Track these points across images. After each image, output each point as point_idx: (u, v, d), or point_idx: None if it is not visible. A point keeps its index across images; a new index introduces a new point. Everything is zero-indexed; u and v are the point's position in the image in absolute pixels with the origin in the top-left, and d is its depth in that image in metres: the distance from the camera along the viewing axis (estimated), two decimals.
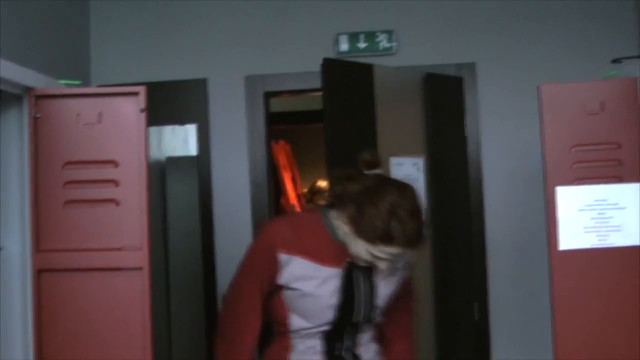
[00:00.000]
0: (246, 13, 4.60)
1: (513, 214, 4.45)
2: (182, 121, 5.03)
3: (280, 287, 2.75)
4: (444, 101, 4.34)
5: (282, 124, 6.69)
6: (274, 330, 2.86)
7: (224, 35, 4.62)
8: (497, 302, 4.45)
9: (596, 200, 3.02)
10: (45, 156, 3.15)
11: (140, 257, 3.10)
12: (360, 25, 4.53)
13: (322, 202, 6.97)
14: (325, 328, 2.76)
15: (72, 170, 3.14)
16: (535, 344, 4.37)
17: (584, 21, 4.44)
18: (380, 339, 2.98)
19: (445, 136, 4.30)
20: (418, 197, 2.63)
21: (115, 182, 3.13)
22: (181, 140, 5.51)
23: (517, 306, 4.45)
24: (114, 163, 3.13)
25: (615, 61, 3.30)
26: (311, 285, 2.69)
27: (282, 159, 6.87)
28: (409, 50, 4.51)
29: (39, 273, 3.14)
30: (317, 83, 3.87)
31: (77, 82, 3.41)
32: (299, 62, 4.51)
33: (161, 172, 5.36)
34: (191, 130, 4.91)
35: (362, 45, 4.50)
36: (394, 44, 4.49)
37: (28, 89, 3.19)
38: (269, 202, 4.64)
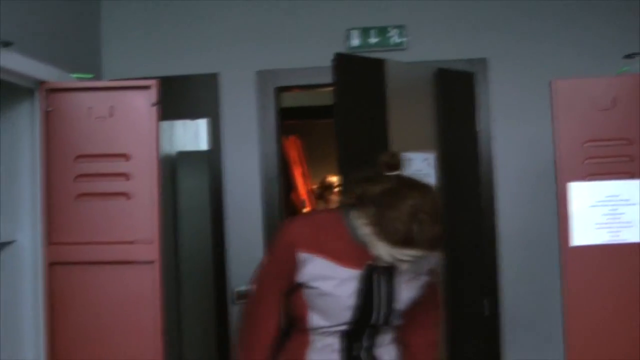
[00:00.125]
0: (257, 8, 4.60)
1: (524, 210, 4.44)
2: (193, 116, 5.04)
3: (300, 285, 2.74)
4: (455, 96, 4.33)
5: (293, 119, 6.69)
6: (293, 326, 2.86)
7: (235, 30, 4.61)
8: (508, 298, 4.44)
9: (608, 196, 3.01)
10: (57, 149, 3.17)
11: (151, 250, 3.11)
12: (372, 20, 4.52)
13: (333, 197, 7.01)
14: (344, 328, 2.76)
15: (84, 164, 3.15)
16: (546, 340, 4.36)
17: (595, 17, 4.42)
18: (405, 351, 2.96)
19: (457, 132, 4.29)
20: (439, 199, 2.58)
21: (126, 176, 3.14)
22: (192, 135, 5.52)
23: (527, 302, 4.43)
24: (125, 157, 3.14)
25: (627, 57, 3.29)
26: (330, 285, 2.68)
27: (293, 154, 6.87)
28: (421, 45, 4.49)
29: (51, 266, 3.16)
30: (328, 78, 3.86)
31: (89, 76, 3.42)
32: (310, 57, 4.51)
33: (172, 167, 5.37)
34: (202, 125, 4.92)
35: (373, 40, 4.49)
36: (406, 39, 4.48)
37: (40, 83, 3.20)
38: (280, 197, 4.64)
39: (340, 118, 3.77)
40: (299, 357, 2.80)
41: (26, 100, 3.26)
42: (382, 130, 3.93)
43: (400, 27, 4.48)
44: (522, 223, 4.44)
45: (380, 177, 2.62)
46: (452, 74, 4.31)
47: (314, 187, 7.46)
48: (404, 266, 2.62)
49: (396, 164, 2.66)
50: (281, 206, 4.66)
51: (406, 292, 2.77)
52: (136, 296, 3.11)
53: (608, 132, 3.03)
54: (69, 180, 3.15)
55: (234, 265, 4.57)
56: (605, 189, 3.01)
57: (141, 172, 3.13)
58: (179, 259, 5.24)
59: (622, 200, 3.00)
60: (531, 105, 4.37)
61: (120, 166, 3.14)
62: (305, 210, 6.85)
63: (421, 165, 4.03)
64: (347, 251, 2.67)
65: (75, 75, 3.42)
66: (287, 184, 6.30)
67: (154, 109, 3.14)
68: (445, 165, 4.16)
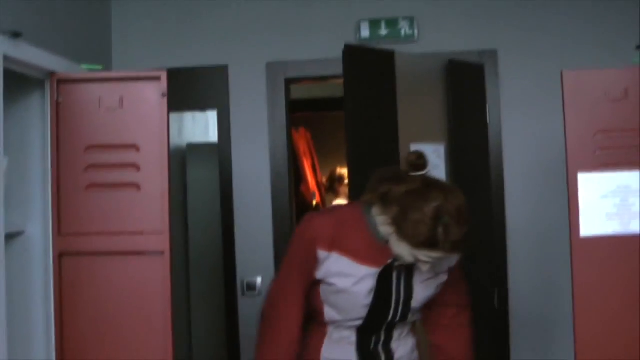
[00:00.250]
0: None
1: (534, 201, 4.43)
2: (202, 108, 5.04)
3: (319, 281, 2.74)
4: (465, 88, 4.31)
5: (302, 111, 6.69)
6: (311, 318, 2.85)
7: (245, 21, 4.61)
8: (517, 289, 4.44)
9: (618, 187, 3.00)
10: (67, 140, 3.18)
11: (161, 241, 3.12)
12: (382, 12, 4.51)
13: (343, 189, 7.01)
14: (359, 323, 2.76)
15: (94, 155, 3.16)
16: (555, 331, 4.36)
17: (606, 8, 4.39)
18: (438, 353, 2.96)
19: (467, 123, 4.27)
20: (464, 201, 2.55)
21: (136, 167, 3.14)
22: (202, 127, 5.52)
23: (537, 294, 4.43)
24: (135, 147, 3.14)
25: (639, 47, 3.28)
26: (347, 283, 2.67)
27: (303, 146, 6.86)
28: (431, 37, 4.48)
29: (60, 256, 3.16)
30: (338, 70, 3.85)
31: (99, 67, 3.42)
32: (320, 49, 4.50)
33: (182, 159, 5.37)
34: (212, 117, 4.92)
35: (383, 32, 4.48)
36: (416, 30, 4.47)
37: (50, 74, 3.21)
38: (289, 189, 4.64)
39: (350, 110, 3.76)
40: (316, 348, 2.82)
41: (36, 91, 3.27)
42: (392, 121, 3.92)
43: (410, 18, 4.47)
44: (532, 214, 4.43)
45: (406, 177, 2.60)
46: (463, 65, 4.30)
47: (324, 179, 7.45)
48: (424, 267, 2.62)
49: (422, 165, 2.62)
50: (290, 198, 4.66)
51: (424, 291, 2.76)
52: (146, 287, 3.11)
53: (619, 123, 3.01)
54: (79, 171, 3.16)
55: (244, 256, 4.58)
56: (616, 179, 2.99)
57: (151, 163, 3.13)
58: (189, 250, 5.25)
59: (633, 191, 2.99)
60: (541, 97, 4.36)
61: (130, 157, 3.15)
62: (314, 202, 6.85)
63: (431, 157, 3.97)
64: (367, 249, 2.67)
65: (85, 66, 3.42)
66: (297, 176, 6.30)
67: (164, 99, 3.14)
68: (455, 157, 4.15)
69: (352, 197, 3.90)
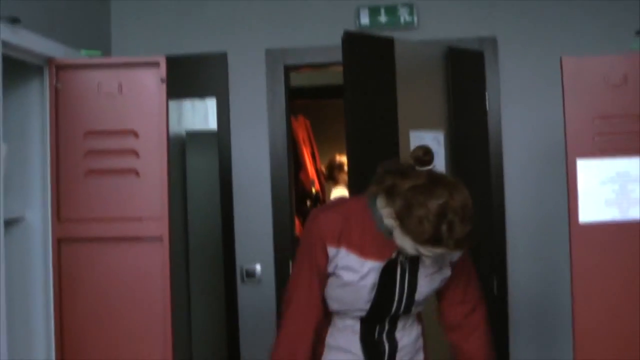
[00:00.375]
0: None
1: (533, 188, 4.43)
2: (201, 95, 5.03)
3: (327, 274, 2.74)
4: (465, 75, 4.31)
5: (302, 98, 6.68)
6: None
7: (244, 8, 4.59)
8: (516, 276, 4.44)
9: (617, 173, 3.00)
10: (66, 126, 3.18)
11: (160, 227, 3.12)
12: None
13: (343, 176, 7.01)
14: (362, 314, 2.76)
15: (93, 141, 3.16)
16: (554, 318, 4.36)
17: None
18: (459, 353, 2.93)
19: (466, 110, 4.27)
20: (469, 198, 2.52)
21: (135, 153, 3.14)
22: (201, 115, 5.52)
23: (536, 281, 4.43)
24: (134, 133, 3.15)
25: (639, 33, 3.27)
26: (354, 277, 2.67)
27: (302, 134, 6.86)
28: (430, 24, 4.47)
29: (60, 242, 3.17)
30: (337, 57, 3.84)
31: (98, 53, 3.42)
32: (319, 36, 4.49)
33: (181, 147, 5.37)
34: (211, 104, 4.91)
35: (383, 19, 4.47)
36: (415, 17, 4.45)
37: (49, 60, 3.21)
38: (289, 177, 4.64)
39: (349, 97, 3.75)
40: (321, 335, 2.82)
41: (35, 77, 3.27)
42: (391, 109, 3.92)
43: (409, 5, 4.46)
44: (531, 201, 4.43)
45: (412, 171, 2.57)
46: (462, 52, 4.29)
47: (323, 167, 7.45)
48: (427, 260, 2.62)
49: (428, 160, 2.60)
50: (290, 186, 4.66)
51: (428, 284, 2.75)
52: (145, 272, 3.12)
53: (618, 109, 3.01)
54: (78, 157, 3.16)
55: (243, 244, 4.58)
56: (615, 166, 2.99)
57: (150, 149, 3.13)
58: (189, 238, 5.25)
59: (632, 177, 2.99)
60: (541, 84, 4.35)
61: (129, 143, 3.15)
62: (314, 190, 6.85)
63: (430, 144, 4.00)
64: (372, 243, 2.66)
65: (84, 52, 3.42)
66: (296, 164, 6.29)
67: (163, 85, 3.14)
68: (454, 144, 4.15)
69: (351, 184, 3.90)
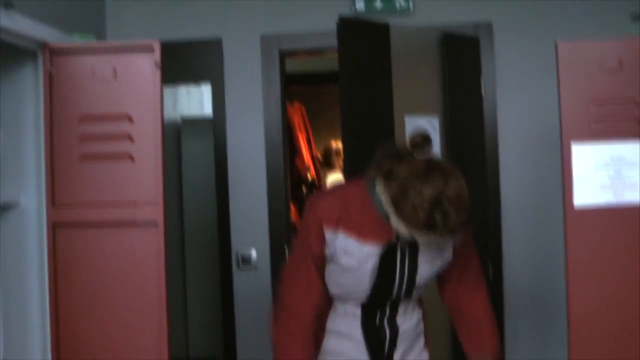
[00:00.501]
0: None
1: (528, 173, 4.43)
2: (196, 81, 5.02)
3: (327, 260, 2.74)
4: (460, 61, 4.30)
5: (297, 84, 6.67)
6: None
7: None
8: (512, 262, 4.45)
9: (612, 158, 3.00)
10: (60, 111, 3.17)
11: (155, 211, 3.12)
12: None
13: (339, 161, 7.01)
14: (363, 300, 2.77)
15: (87, 126, 3.15)
16: (549, 303, 4.37)
17: None
18: (463, 318, 2.93)
19: (462, 96, 4.27)
20: (465, 188, 2.50)
21: (130, 138, 3.14)
22: (196, 101, 5.52)
23: (531, 266, 4.44)
24: (129, 118, 3.14)
25: (634, 18, 3.27)
26: (353, 261, 2.67)
27: (297, 120, 6.86)
28: (426, 9, 4.46)
29: (54, 227, 3.16)
30: (333, 42, 3.83)
31: (91, 38, 3.40)
32: (315, 21, 4.47)
33: (177, 133, 5.37)
34: (206, 91, 4.91)
35: (378, 4, 4.45)
36: (411, 3, 4.44)
37: (43, 44, 3.19)
38: (284, 163, 4.63)
39: (344, 82, 3.75)
40: (322, 321, 2.82)
41: (29, 62, 3.25)
42: (386, 94, 3.91)
43: None
44: (526, 187, 4.43)
45: (410, 157, 2.57)
46: (458, 38, 4.29)
47: (319, 153, 7.46)
48: (423, 245, 2.63)
49: (426, 147, 2.60)
50: (285, 172, 4.65)
51: (429, 268, 2.75)
52: (140, 257, 3.12)
53: (613, 94, 3.01)
54: (72, 142, 3.16)
55: (238, 229, 4.58)
56: (609, 150, 3.00)
57: (144, 134, 3.12)
58: (184, 224, 5.26)
59: (626, 161, 2.99)
60: (536, 69, 4.34)
61: (123, 128, 3.14)
62: (309, 176, 6.86)
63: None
64: (372, 227, 2.66)
65: (77, 37, 3.41)
66: (292, 150, 6.29)
67: (158, 70, 3.13)
68: (449, 130, 4.15)
69: (346, 170, 3.89)
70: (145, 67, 3.13)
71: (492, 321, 2.94)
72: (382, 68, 3.91)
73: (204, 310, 5.18)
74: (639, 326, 3.01)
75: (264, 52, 4.56)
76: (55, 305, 3.15)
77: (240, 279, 4.56)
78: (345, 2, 4.46)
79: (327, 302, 2.81)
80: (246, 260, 4.55)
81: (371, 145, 2.69)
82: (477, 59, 4.40)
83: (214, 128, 4.63)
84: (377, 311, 2.80)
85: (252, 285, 4.54)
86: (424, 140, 2.61)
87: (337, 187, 3.18)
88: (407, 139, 2.66)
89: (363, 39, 3.88)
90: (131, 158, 3.13)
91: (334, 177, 7.14)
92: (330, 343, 2.83)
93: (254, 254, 4.55)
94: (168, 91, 4.98)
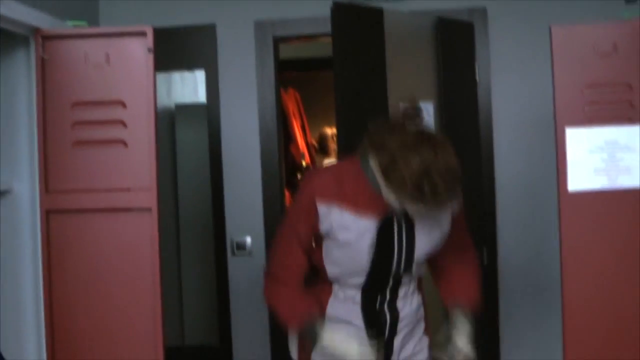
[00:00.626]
0: None
1: (523, 158, 4.43)
2: (190, 67, 5.00)
3: (323, 237, 2.76)
4: (454, 46, 4.29)
5: (291, 70, 6.66)
6: (318, 275, 2.87)
7: None
8: (506, 246, 4.45)
9: (606, 142, 3.00)
10: (53, 97, 3.15)
11: (148, 197, 3.11)
12: None
13: (332, 145, 7.01)
14: (362, 279, 2.77)
15: (80, 111, 3.14)
16: (544, 287, 4.38)
17: None
18: (445, 283, 2.96)
19: (456, 81, 4.26)
20: (454, 159, 2.53)
21: (123, 123, 3.13)
22: (190, 88, 5.49)
23: (526, 250, 4.44)
24: (122, 104, 3.13)
25: (629, 1, 3.26)
26: (350, 235, 2.68)
27: (292, 107, 6.84)
28: None
29: (48, 214, 3.15)
30: (327, 28, 3.81)
31: (84, 23, 3.39)
32: (309, 7, 4.45)
33: (171, 120, 5.35)
34: (200, 77, 4.89)
35: None
36: None
37: (35, 30, 3.18)
38: (279, 150, 4.62)
39: (338, 68, 3.74)
40: (322, 305, 2.83)
41: (22, 48, 3.24)
42: (381, 80, 3.90)
43: None
44: (521, 171, 4.43)
45: (401, 127, 2.58)
46: (452, 23, 4.28)
47: (314, 140, 7.46)
48: (414, 215, 2.64)
49: (415, 115, 2.63)
50: (280, 158, 4.65)
51: (427, 240, 2.75)
52: (134, 243, 3.11)
53: (607, 78, 3.01)
54: (65, 128, 3.14)
55: (233, 216, 4.58)
56: (603, 134, 3.00)
57: (138, 119, 3.11)
58: (179, 211, 5.25)
59: (620, 146, 2.99)
60: (531, 54, 4.34)
61: (117, 113, 3.13)
62: (304, 163, 6.86)
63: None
64: (367, 201, 2.67)
65: (70, 23, 3.39)
66: (286, 137, 6.28)
67: (150, 55, 3.11)
68: (444, 115, 4.14)
69: (340, 156, 3.89)
70: (138, 52, 3.12)
71: (475, 280, 2.97)
72: (376, 53, 3.90)
73: (199, 297, 5.17)
74: (633, 310, 3.02)
75: (257, 38, 4.55)
76: (49, 291, 3.15)
77: (235, 265, 4.57)
78: None
79: (307, 271, 2.84)
80: (241, 246, 4.55)
81: (365, 131, 2.70)
82: (471, 44, 4.39)
83: (208, 114, 4.62)
84: (377, 295, 2.81)
85: (247, 272, 4.54)
86: (415, 111, 2.66)
87: (331, 165, 3.21)
88: (400, 110, 2.68)
89: (357, 25, 3.87)
90: (124, 144, 3.12)
91: (329, 164, 7.14)
92: (330, 328, 2.83)
93: (248, 240, 4.55)
94: (162, 78, 4.95)
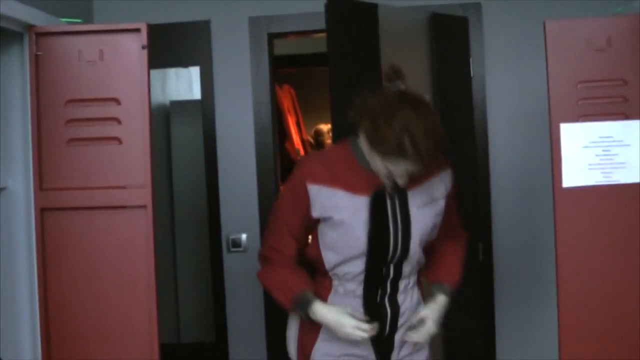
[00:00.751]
0: None
1: (517, 153, 4.43)
2: (185, 64, 4.99)
3: (317, 222, 2.78)
4: (449, 41, 4.29)
5: (286, 67, 6.65)
6: (316, 271, 2.88)
7: None
8: (501, 242, 4.46)
9: (601, 137, 3.00)
10: (47, 94, 3.15)
11: (143, 195, 3.10)
12: None
13: (328, 141, 6.99)
14: (360, 266, 2.77)
15: (75, 108, 3.13)
16: (539, 283, 4.39)
17: None
18: (431, 259, 2.99)
19: (451, 76, 4.26)
20: (434, 115, 2.62)
21: (117, 120, 3.12)
22: (185, 84, 5.48)
23: (521, 246, 4.45)
24: (116, 101, 3.12)
25: None
26: (344, 214, 2.72)
27: (287, 103, 6.83)
28: None
29: (42, 212, 3.15)
30: (322, 24, 3.81)
31: (78, 20, 3.38)
32: (303, 3, 4.45)
33: (165, 117, 5.35)
34: (195, 74, 4.88)
35: None
36: None
37: (29, 27, 3.17)
38: (274, 146, 4.62)
39: (333, 63, 3.73)
40: (322, 301, 2.83)
41: (15, 45, 3.23)
42: (375, 75, 3.89)
43: None
44: (516, 167, 4.44)
45: (381, 90, 2.70)
46: (446, 18, 4.27)
47: (309, 136, 7.45)
48: (401, 180, 2.66)
49: (396, 75, 2.76)
50: (275, 155, 4.64)
51: (422, 218, 2.78)
52: (129, 241, 3.10)
53: (602, 73, 3.01)
54: (59, 125, 3.13)
55: (228, 213, 4.57)
56: (598, 130, 3.00)
57: (132, 116, 3.10)
58: (174, 208, 5.24)
59: (615, 141, 2.99)
60: (525, 48, 4.34)
61: (111, 110, 3.12)
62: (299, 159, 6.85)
63: None
64: (358, 179, 2.73)
65: (64, 20, 3.38)
66: (281, 133, 6.28)
67: (145, 52, 3.10)
68: (439, 110, 4.13)
69: None
70: (132, 48, 3.11)
71: (460, 259, 3.05)
72: (371, 49, 3.90)
73: (195, 294, 5.17)
74: (628, 305, 3.02)
75: (252, 34, 4.55)
76: (44, 290, 3.14)
77: (231, 263, 4.56)
78: None
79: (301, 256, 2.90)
80: (236, 243, 4.55)
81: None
82: (466, 39, 4.39)
83: (203, 111, 4.62)
84: (378, 289, 2.81)
85: (242, 269, 4.54)
86: (395, 73, 2.79)
87: (321, 150, 3.28)
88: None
89: (351, 20, 3.87)
90: (119, 141, 3.11)
91: None
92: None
93: (244, 237, 4.55)
94: (156, 74, 4.95)
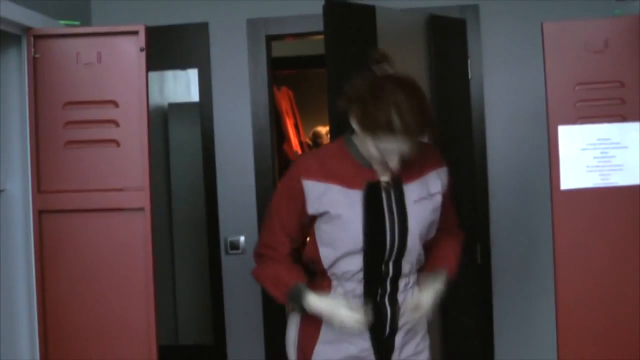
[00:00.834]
0: None
1: (515, 155, 4.44)
2: (183, 66, 5.00)
3: (313, 219, 2.80)
4: (447, 43, 4.30)
5: (284, 69, 6.66)
6: (315, 273, 2.88)
7: None
8: (500, 244, 4.46)
9: (599, 139, 3.00)
10: (45, 97, 3.14)
11: (141, 197, 3.10)
12: None
13: (326, 143, 6.99)
14: (359, 264, 2.77)
15: (73, 111, 3.13)
16: (537, 285, 4.39)
17: None
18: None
19: (449, 78, 4.26)
20: (421, 93, 2.69)
21: (115, 123, 3.12)
22: (183, 86, 5.49)
23: (519, 248, 4.45)
24: (114, 103, 3.12)
25: None
26: (340, 208, 2.74)
27: (285, 105, 6.84)
28: None
29: (40, 214, 3.14)
30: (320, 26, 3.81)
31: (76, 23, 3.38)
32: (301, 5, 4.45)
33: (164, 119, 5.35)
34: (193, 76, 4.89)
35: None
36: None
37: (27, 29, 3.16)
38: (272, 148, 4.62)
39: (331, 66, 3.74)
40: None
41: (13, 47, 3.22)
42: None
43: None
44: (514, 169, 4.44)
45: (369, 73, 2.74)
46: (444, 20, 4.28)
47: (307, 138, 7.45)
48: (392, 162, 2.68)
49: (381, 57, 2.78)
50: (273, 157, 4.64)
51: (419, 211, 2.79)
52: (127, 243, 3.10)
53: (600, 75, 3.01)
54: (57, 128, 3.13)
55: (226, 215, 4.57)
56: (596, 132, 3.00)
57: (130, 119, 3.10)
58: (172, 211, 5.25)
59: (613, 143, 3.00)
60: (523, 51, 4.34)
61: (109, 113, 3.12)
62: None
63: None
64: (353, 174, 2.76)
65: (62, 22, 3.38)
66: (280, 136, 6.28)
67: (143, 54, 3.10)
68: (436, 112, 4.13)
69: None
70: (130, 51, 3.11)
71: (456, 251, 3.08)
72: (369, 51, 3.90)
73: (193, 296, 5.18)
74: (627, 307, 3.02)
75: (250, 36, 4.55)
76: (42, 292, 3.14)
77: (229, 265, 4.56)
78: None
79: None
80: (234, 246, 4.55)
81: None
82: (463, 41, 4.40)
83: (201, 113, 4.62)
84: (378, 288, 2.81)
85: (240, 271, 4.53)
86: (382, 56, 2.80)
87: (315, 149, 3.32)
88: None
89: (349, 22, 3.87)
90: (117, 143, 3.11)
91: None
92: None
93: (242, 239, 4.55)
94: (155, 77, 4.95)
